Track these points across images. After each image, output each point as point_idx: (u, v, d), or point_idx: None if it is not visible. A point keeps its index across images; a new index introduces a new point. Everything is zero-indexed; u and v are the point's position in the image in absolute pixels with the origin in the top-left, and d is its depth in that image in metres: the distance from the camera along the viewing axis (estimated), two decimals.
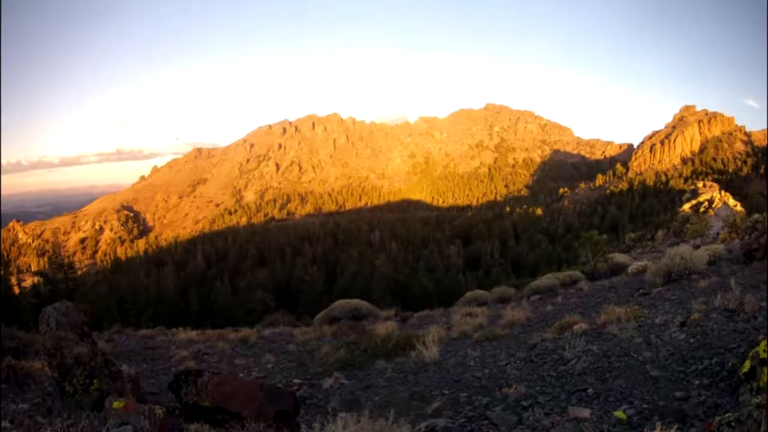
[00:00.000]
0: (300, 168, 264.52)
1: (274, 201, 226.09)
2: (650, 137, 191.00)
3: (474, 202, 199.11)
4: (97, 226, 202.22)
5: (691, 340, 4.99)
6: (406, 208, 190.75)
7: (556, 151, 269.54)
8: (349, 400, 5.29)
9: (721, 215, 39.07)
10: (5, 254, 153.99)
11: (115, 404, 3.83)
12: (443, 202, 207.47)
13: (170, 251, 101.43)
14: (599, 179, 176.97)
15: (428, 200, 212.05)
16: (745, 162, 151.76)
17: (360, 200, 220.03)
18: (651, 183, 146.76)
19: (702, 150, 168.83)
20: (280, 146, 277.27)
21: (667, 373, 4.35)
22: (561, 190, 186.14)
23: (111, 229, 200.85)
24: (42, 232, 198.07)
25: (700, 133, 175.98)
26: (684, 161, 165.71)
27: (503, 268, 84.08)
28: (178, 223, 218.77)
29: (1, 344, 7.00)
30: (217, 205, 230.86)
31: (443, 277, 67.62)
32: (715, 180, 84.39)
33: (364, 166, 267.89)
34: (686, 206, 42.98)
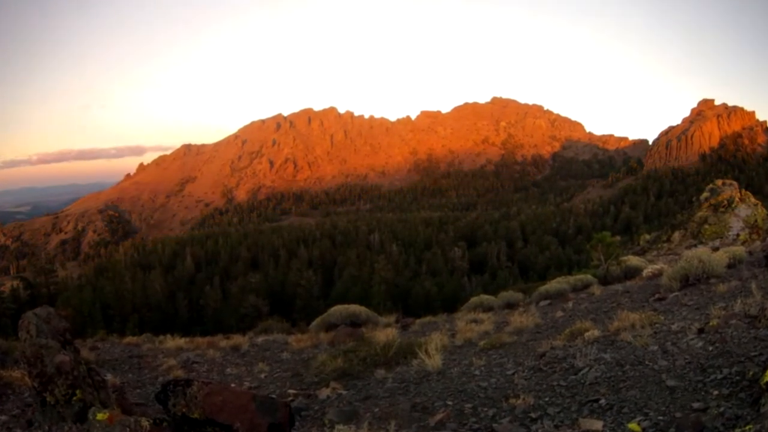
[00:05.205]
0: (295, 165, 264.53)
1: (268, 200, 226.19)
2: (666, 133, 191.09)
3: (479, 202, 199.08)
4: (79, 227, 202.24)
5: (710, 348, 4.99)
6: (408, 207, 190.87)
7: (566, 148, 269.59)
8: (347, 412, 5.29)
9: (741, 215, 39.06)
10: None
11: (99, 416, 3.83)
12: (446, 201, 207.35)
13: (157, 254, 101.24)
14: (612, 177, 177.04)
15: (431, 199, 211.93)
16: (766, 158, 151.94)
17: (359, 199, 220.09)
18: (667, 181, 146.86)
19: (721, 146, 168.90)
20: (273, 142, 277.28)
21: (684, 383, 4.35)
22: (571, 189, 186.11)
23: (94, 231, 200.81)
24: (21, 234, 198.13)
25: (719, 129, 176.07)
26: (702, 158, 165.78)
27: (510, 271, 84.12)
28: (166, 223, 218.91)
29: None
30: (207, 205, 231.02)
31: (447, 281, 67.58)
32: (734, 178, 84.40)
33: (363, 163, 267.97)
34: (704, 206, 42.94)
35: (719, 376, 4.29)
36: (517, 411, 4.57)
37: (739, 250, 12.74)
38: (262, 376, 8.21)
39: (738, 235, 33.31)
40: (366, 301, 33.27)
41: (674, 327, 6.16)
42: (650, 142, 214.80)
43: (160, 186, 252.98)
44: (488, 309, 14.29)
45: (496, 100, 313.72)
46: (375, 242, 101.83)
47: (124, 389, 5.89)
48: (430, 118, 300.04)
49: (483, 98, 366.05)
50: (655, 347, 5.40)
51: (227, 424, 4.02)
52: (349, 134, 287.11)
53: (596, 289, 12.79)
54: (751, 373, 4.08)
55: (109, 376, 7.41)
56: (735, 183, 47.37)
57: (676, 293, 9.09)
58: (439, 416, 4.77)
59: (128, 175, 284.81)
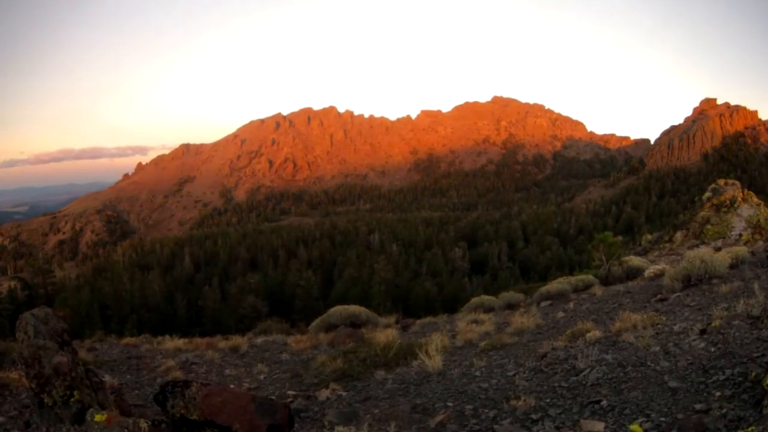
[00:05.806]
0: (294, 165, 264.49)
1: (267, 200, 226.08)
2: (668, 132, 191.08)
3: (480, 202, 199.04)
4: (77, 227, 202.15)
5: (712, 349, 4.99)
6: (408, 207, 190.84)
7: (567, 147, 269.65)
8: (347, 413, 5.29)
9: (744, 215, 39.03)
10: None
11: (97, 417, 3.83)
12: (447, 201, 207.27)
13: (156, 254, 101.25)
14: (614, 177, 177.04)
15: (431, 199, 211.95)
16: None
17: (359, 199, 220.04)
18: (669, 181, 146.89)
19: (723, 145, 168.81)
20: (273, 142, 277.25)
21: (687, 384, 4.35)
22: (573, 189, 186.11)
23: (92, 231, 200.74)
24: (19, 234, 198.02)
25: (722, 128, 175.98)
26: (704, 157, 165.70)
27: (511, 271, 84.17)
28: (164, 224, 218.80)
29: None
30: (206, 205, 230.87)
31: (447, 282, 67.63)
32: (737, 177, 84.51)
33: (362, 163, 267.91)
34: (706, 206, 42.93)
35: (721, 378, 4.29)
36: (518, 412, 4.57)
37: (742, 250, 12.73)
38: (262, 377, 8.21)
39: (740, 235, 33.27)
40: (366, 302, 33.31)
41: (676, 328, 6.16)
42: (652, 142, 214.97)
43: (158, 186, 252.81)
44: (489, 310, 14.30)
45: (496, 100, 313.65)
46: (375, 242, 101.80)
47: (122, 390, 5.89)
48: (430, 117, 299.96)
49: (484, 97, 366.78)
50: (657, 348, 5.40)
51: (226, 425, 4.02)
52: (348, 134, 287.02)
53: (598, 290, 12.78)
54: (753, 374, 4.08)
55: (107, 377, 7.41)
56: (737, 183, 47.24)
57: (678, 294, 9.09)
58: (439, 418, 4.77)
59: (126, 175, 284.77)
